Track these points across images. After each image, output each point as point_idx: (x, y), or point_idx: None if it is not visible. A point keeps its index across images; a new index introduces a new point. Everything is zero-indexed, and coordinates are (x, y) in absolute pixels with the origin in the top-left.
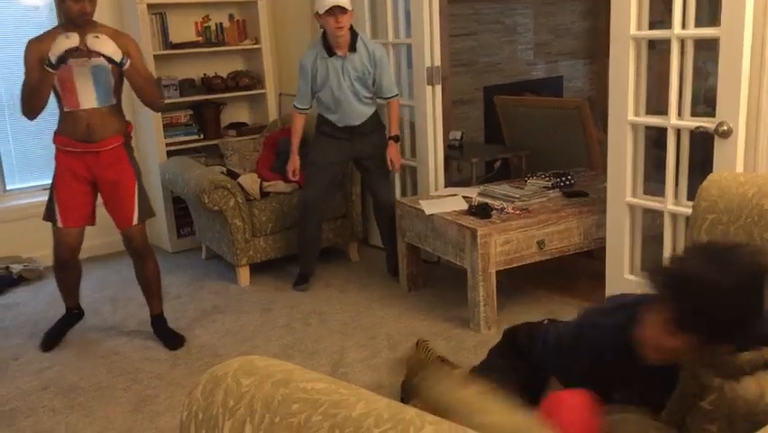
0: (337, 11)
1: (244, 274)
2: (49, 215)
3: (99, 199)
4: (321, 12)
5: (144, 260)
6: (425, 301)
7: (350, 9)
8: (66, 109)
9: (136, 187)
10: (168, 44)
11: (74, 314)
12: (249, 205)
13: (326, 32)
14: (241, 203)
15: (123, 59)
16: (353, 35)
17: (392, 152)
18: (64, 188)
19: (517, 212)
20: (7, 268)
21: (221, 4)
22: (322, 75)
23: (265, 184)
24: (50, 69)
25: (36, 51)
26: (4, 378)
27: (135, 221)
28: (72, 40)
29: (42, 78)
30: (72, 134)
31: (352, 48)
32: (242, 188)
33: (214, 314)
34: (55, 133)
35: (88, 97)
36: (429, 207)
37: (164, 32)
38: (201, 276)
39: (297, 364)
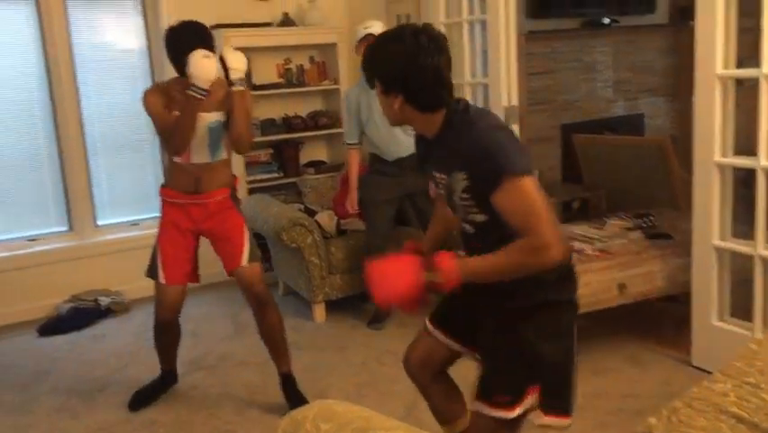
0: (372, 39)
1: (320, 311)
2: (151, 271)
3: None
4: (357, 40)
5: (265, 308)
6: None
7: None
8: (175, 160)
9: (245, 228)
10: (251, 86)
11: (168, 378)
12: (325, 242)
13: None
14: (318, 240)
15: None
16: None
17: None
18: (168, 243)
19: (597, 253)
20: (96, 300)
21: (302, 47)
22: (365, 109)
23: (342, 222)
24: (199, 95)
25: (159, 96)
26: (90, 408)
27: (245, 261)
28: (212, 59)
29: (188, 110)
30: (179, 187)
31: None
32: (319, 225)
33: (292, 350)
34: (162, 184)
35: (201, 153)
36: None
37: (248, 74)
38: None
39: (371, 405)
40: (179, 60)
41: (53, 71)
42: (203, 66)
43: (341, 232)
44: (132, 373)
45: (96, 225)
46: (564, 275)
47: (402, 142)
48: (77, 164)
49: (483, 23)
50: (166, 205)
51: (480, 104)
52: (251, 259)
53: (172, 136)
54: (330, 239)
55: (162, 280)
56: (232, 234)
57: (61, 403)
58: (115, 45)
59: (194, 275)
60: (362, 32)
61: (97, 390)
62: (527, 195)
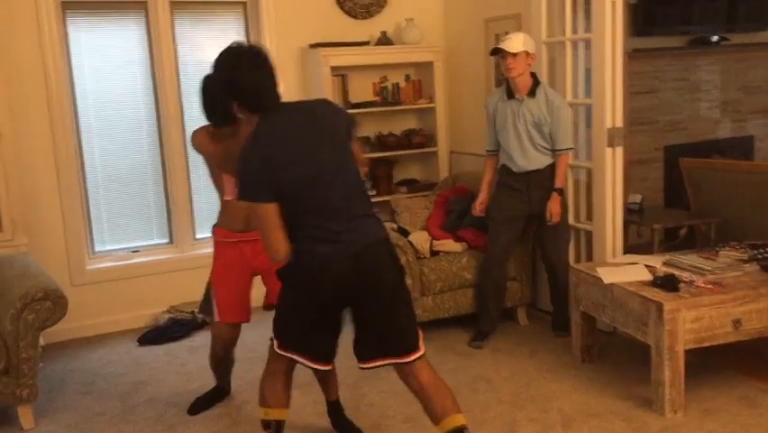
0: (504, 53)
1: None
2: (205, 309)
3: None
4: (491, 54)
5: None
6: (601, 375)
7: (518, 52)
8: (226, 197)
9: None
10: (347, 104)
11: (222, 392)
12: (419, 263)
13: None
14: (411, 261)
15: None
16: (535, 81)
17: (553, 203)
18: (222, 282)
19: (709, 286)
20: (193, 312)
21: (399, 65)
22: (500, 117)
23: (435, 243)
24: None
25: (207, 135)
26: (185, 422)
27: None
28: None
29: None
30: (230, 226)
31: (532, 93)
32: (412, 246)
33: (381, 372)
34: (213, 225)
35: None
36: (608, 276)
37: (344, 91)
38: None
39: None
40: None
41: (160, 88)
42: None
43: (434, 253)
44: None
45: (195, 239)
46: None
47: (531, 157)
48: (179, 179)
49: (587, 43)
50: (219, 245)
51: (582, 125)
52: None
53: (226, 161)
54: (423, 260)
55: (217, 318)
56: None
57: (158, 415)
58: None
59: (248, 313)
60: (495, 47)
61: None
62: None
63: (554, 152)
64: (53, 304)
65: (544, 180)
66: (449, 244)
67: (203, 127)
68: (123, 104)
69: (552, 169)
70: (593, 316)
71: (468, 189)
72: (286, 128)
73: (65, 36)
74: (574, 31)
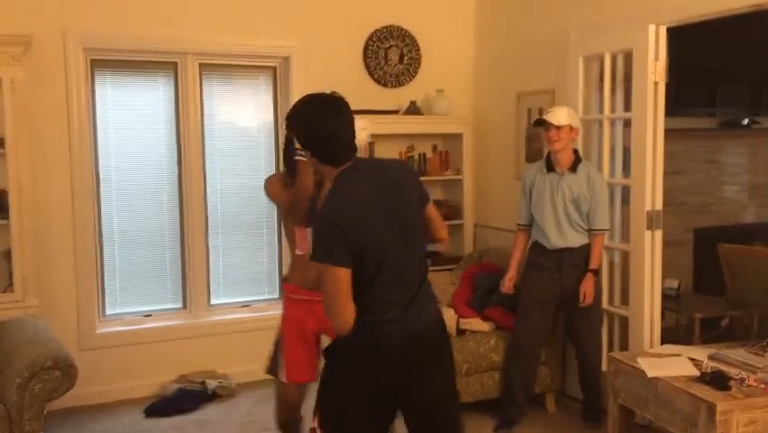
0: (548, 125)
1: None
2: (272, 367)
3: None
4: (534, 125)
5: None
6: None
7: (562, 125)
8: (297, 252)
9: None
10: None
11: None
12: None
13: (549, 154)
14: None
15: None
16: (577, 158)
17: (587, 284)
18: (291, 341)
19: (762, 386)
20: (203, 383)
21: (426, 135)
22: (538, 190)
23: (462, 321)
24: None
25: (280, 181)
26: None
27: None
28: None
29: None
30: (300, 282)
31: (573, 168)
32: None
33: None
34: (284, 278)
35: None
36: (651, 369)
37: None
38: None
39: None
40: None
41: (184, 148)
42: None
43: (460, 332)
44: None
45: (210, 305)
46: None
47: (566, 234)
48: (197, 242)
49: (624, 121)
50: (289, 301)
51: (618, 207)
52: None
53: (293, 209)
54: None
55: (284, 378)
56: None
57: None
58: (243, 124)
59: (315, 372)
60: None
61: None
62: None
63: (591, 231)
64: (62, 374)
65: (577, 260)
66: (476, 323)
67: (277, 173)
68: (146, 163)
69: (586, 249)
70: (632, 410)
71: (496, 266)
72: (366, 188)
73: (92, 93)
74: (613, 109)
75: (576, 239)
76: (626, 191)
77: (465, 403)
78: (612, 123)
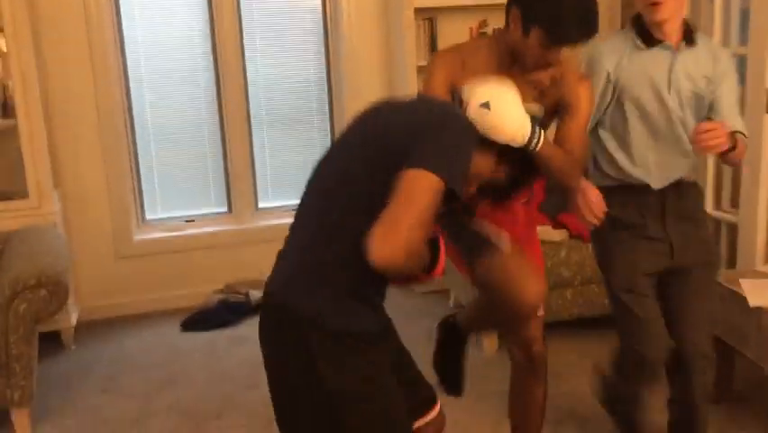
0: None
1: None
2: None
3: None
4: None
5: (536, 375)
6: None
7: None
8: None
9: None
10: (434, 53)
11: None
12: None
13: (641, 16)
14: None
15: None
16: (689, 28)
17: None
18: None
19: None
20: (247, 294)
21: (503, 5)
22: (629, 78)
23: None
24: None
25: (445, 72)
26: None
27: None
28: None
29: None
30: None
31: (689, 40)
32: None
33: None
34: None
35: None
36: (754, 295)
37: (432, 39)
38: None
39: None
40: (536, 14)
41: (218, 35)
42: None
43: None
44: (257, 397)
45: (257, 209)
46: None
47: (677, 160)
48: (239, 139)
49: None
50: None
51: None
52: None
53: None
54: None
55: None
56: None
57: (172, 430)
58: (285, 7)
59: None
60: None
61: (215, 416)
62: None
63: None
64: (49, 293)
65: (688, 204)
66: (547, 232)
67: (451, 51)
68: (178, 52)
69: (696, 185)
70: (731, 346)
71: None
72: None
73: None
74: None
75: (686, 166)
76: (740, 65)
77: None
78: None
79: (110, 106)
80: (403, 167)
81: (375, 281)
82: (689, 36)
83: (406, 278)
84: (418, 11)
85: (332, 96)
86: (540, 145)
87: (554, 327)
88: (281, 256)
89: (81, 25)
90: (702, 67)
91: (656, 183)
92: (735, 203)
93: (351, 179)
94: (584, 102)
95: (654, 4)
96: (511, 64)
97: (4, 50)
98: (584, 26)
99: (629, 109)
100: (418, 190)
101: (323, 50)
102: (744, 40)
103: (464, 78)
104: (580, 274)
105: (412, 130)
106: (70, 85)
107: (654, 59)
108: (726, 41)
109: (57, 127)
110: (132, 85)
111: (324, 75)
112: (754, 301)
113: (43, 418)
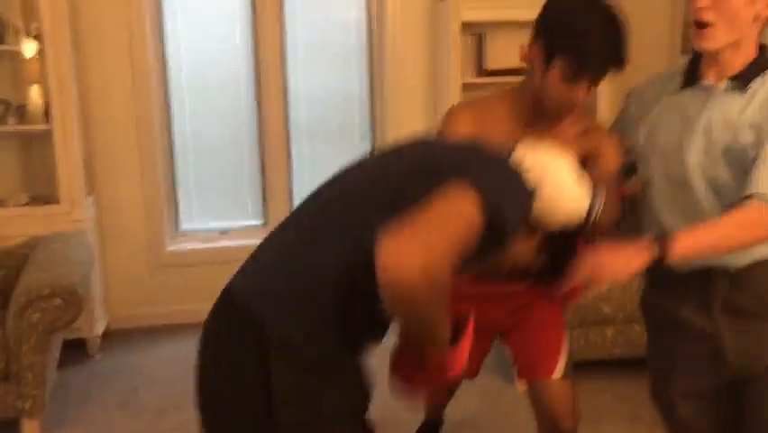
0: None
1: None
2: None
3: None
4: None
5: None
6: None
7: None
8: None
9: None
10: (481, 71)
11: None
12: None
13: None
14: None
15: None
16: (761, 61)
17: None
18: None
19: None
20: None
21: None
22: (653, 121)
23: None
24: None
25: (464, 129)
26: None
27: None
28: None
29: None
30: None
31: (745, 78)
32: None
33: None
34: None
35: None
36: None
37: (480, 55)
38: None
39: None
40: (560, 44)
41: (261, 46)
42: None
43: None
44: None
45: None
46: None
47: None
48: (278, 151)
49: None
50: None
51: None
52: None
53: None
54: None
55: None
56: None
57: None
58: (329, 19)
59: None
60: None
61: None
62: None
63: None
64: (64, 303)
65: (748, 294)
66: None
67: (469, 105)
68: (219, 63)
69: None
70: None
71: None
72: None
73: None
74: None
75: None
76: None
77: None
78: None
79: (149, 114)
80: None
81: (371, 316)
82: (745, 75)
83: (413, 353)
84: (466, 25)
85: (374, 111)
86: (599, 213)
87: (592, 366)
88: (257, 255)
89: (123, 33)
90: (750, 113)
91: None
92: None
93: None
94: (610, 156)
95: (699, 26)
96: (534, 119)
97: (44, 54)
98: (611, 55)
99: (654, 166)
100: (456, 208)
101: (366, 64)
102: None
103: (483, 135)
104: (621, 312)
105: (463, 161)
106: (110, 92)
107: (688, 100)
108: None
109: (94, 134)
110: (172, 93)
111: (367, 90)
112: None
113: (55, 429)
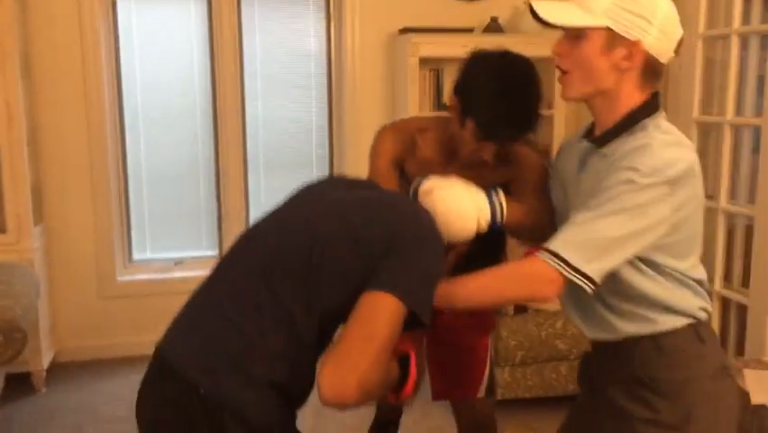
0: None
1: None
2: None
3: None
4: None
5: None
6: None
7: (581, 27)
8: None
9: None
10: (440, 104)
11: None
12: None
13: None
14: None
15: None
16: (641, 113)
17: None
18: None
19: None
20: None
21: None
22: (559, 182)
23: None
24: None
25: (393, 149)
26: None
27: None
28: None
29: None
30: None
31: (603, 139)
32: None
33: None
34: None
35: None
36: (758, 390)
37: (436, 90)
38: None
39: None
40: (470, 108)
41: (219, 74)
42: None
43: (520, 310)
44: None
45: None
46: None
47: (594, 308)
48: (234, 181)
49: (763, 40)
50: None
51: (746, 158)
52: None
53: None
54: (502, 318)
55: None
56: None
57: None
58: (288, 49)
59: None
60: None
61: None
62: None
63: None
64: (5, 339)
65: (631, 370)
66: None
67: (397, 127)
68: (176, 91)
69: (651, 342)
70: None
71: None
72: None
73: (113, 13)
74: (745, 20)
75: (618, 321)
76: (756, 134)
77: (521, 399)
78: (745, 42)
79: (102, 143)
80: (371, 278)
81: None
82: (607, 134)
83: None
84: (423, 61)
85: (332, 141)
86: (506, 214)
87: (546, 402)
88: (194, 316)
89: (77, 60)
90: (605, 169)
91: (588, 332)
92: (745, 283)
93: (307, 265)
94: (534, 171)
95: (561, 73)
96: (453, 155)
97: None
98: (516, 124)
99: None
100: (381, 320)
101: (325, 95)
102: (759, 108)
103: (411, 156)
104: (576, 348)
105: (389, 237)
106: (62, 120)
107: (575, 154)
108: (740, 111)
109: (46, 162)
110: (127, 121)
111: (326, 120)
112: (757, 398)
113: None
